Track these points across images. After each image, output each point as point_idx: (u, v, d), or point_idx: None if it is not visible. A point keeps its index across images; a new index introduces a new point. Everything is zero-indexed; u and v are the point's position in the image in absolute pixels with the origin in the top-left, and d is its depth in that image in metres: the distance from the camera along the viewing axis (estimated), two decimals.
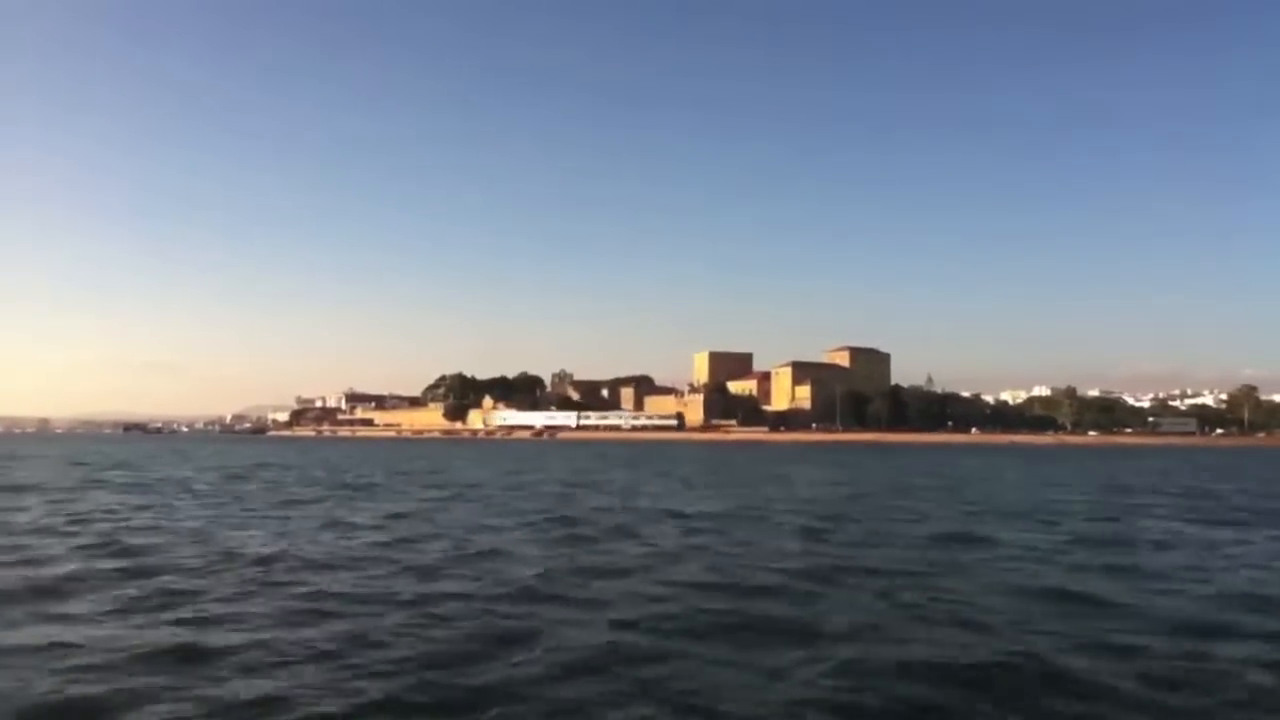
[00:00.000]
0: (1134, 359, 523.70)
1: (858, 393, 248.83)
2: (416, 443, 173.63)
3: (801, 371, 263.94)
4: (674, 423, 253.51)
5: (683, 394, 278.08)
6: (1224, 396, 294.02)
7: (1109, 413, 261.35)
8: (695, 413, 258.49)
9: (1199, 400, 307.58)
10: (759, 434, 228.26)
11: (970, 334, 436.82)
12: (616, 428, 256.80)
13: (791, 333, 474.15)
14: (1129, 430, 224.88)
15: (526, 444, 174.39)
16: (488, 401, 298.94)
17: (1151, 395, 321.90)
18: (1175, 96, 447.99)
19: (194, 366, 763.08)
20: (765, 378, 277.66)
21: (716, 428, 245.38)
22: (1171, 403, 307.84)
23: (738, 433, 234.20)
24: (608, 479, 47.89)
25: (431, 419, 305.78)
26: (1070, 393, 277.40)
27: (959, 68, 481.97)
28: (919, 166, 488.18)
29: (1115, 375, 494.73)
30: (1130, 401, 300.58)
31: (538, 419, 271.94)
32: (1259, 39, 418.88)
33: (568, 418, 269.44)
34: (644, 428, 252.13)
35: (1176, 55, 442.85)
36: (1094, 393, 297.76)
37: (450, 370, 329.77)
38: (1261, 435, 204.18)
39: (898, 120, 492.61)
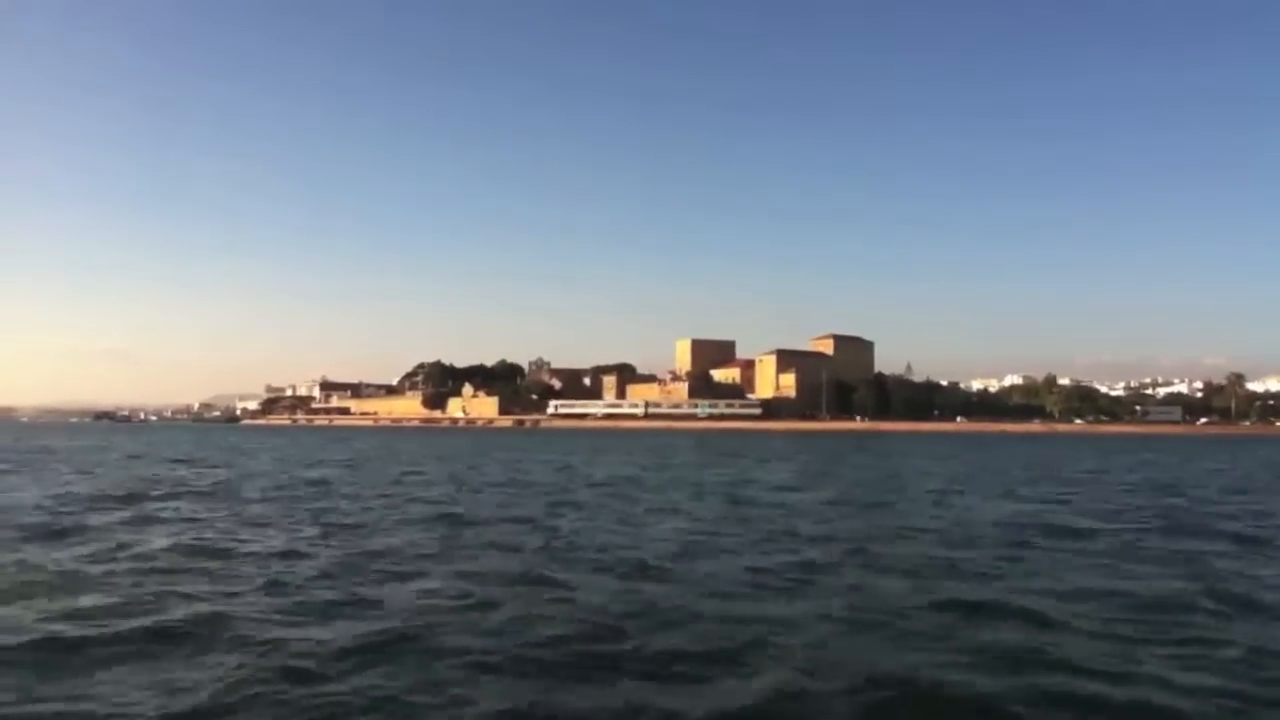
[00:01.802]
0: (1095, 348, 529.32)
1: (842, 381, 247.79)
2: (444, 434, 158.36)
3: (786, 359, 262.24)
4: (757, 412, 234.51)
5: (664, 382, 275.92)
6: (1199, 385, 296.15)
7: (1090, 401, 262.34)
8: (681, 400, 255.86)
9: (1172, 389, 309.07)
10: (862, 424, 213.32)
11: (938, 324, 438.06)
12: (692, 416, 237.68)
13: (764, 321, 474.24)
14: (1109, 419, 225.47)
15: (534, 433, 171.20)
16: (467, 389, 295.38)
17: (1123, 384, 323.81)
18: (1143, 82, 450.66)
19: (157, 354, 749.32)
20: (749, 365, 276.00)
21: (810, 418, 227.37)
22: (1144, 391, 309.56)
23: (834, 424, 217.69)
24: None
25: (410, 407, 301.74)
26: (1051, 381, 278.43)
27: (938, 56, 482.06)
28: (892, 157, 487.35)
29: (1080, 364, 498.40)
30: (1103, 390, 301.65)
31: (596, 407, 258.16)
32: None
33: (634, 406, 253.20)
34: (722, 416, 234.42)
35: (1152, 44, 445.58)
36: (1064, 381, 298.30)
37: (421, 358, 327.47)
38: (1247, 424, 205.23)
39: (874, 111, 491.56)
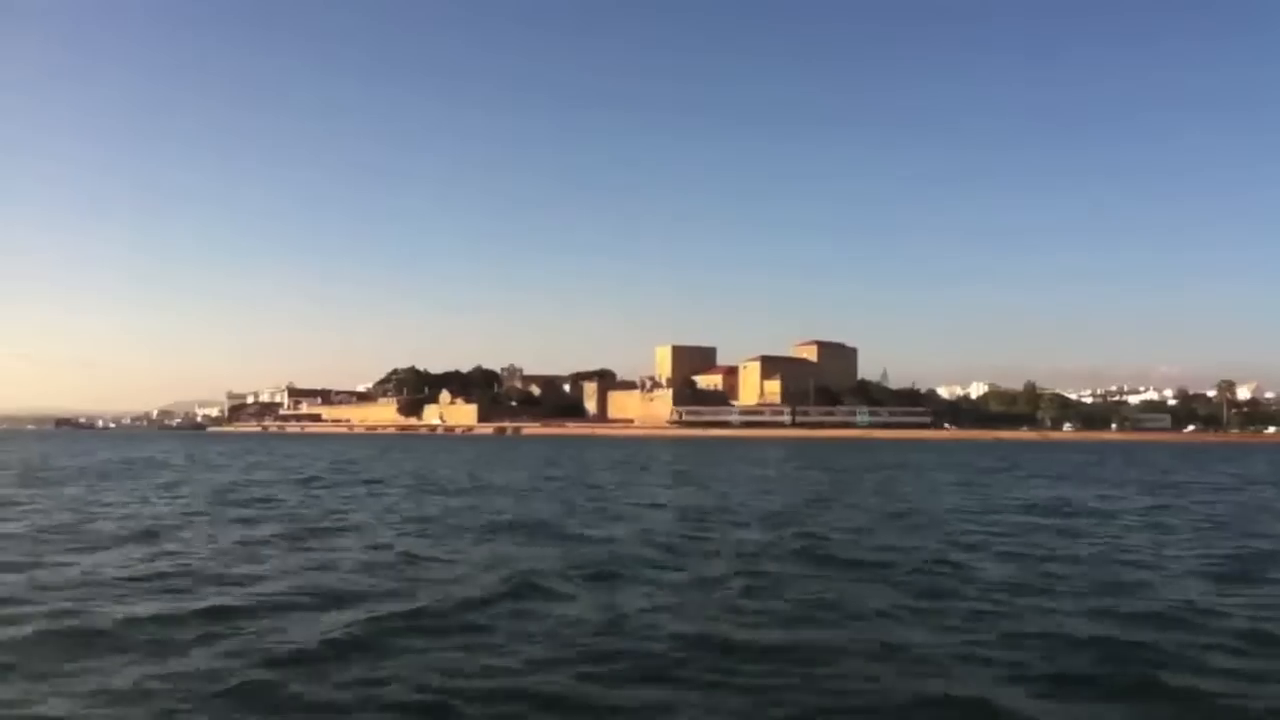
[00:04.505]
0: (1053, 357, 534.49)
1: (827, 388, 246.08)
2: (458, 441, 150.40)
3: (771, 366, 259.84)
4: (927, 420, 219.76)
5: (645, 389, 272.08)
6: (1170, 392, 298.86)
7: (1070, 409, 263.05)
8: (664, 406, 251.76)
9: (1140, 397, 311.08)
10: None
11: (903, 331, 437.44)
12: (848, 424, 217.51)
13: (731, 328, 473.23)
14: (1089, 426, 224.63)
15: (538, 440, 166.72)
16: (444, 396, 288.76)
17: (1089, 391, 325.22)
18: (1104, 90, 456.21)
19: (111, 360, 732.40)
20: (731, 372, 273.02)
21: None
22: (1112, 399, 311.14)
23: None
24: None
25: (385, 414, 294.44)
26: (1032, 389, 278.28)
27: (909, 66, 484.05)
28: (847, 162, 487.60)
29: (1038, 370, 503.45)
30: (1072, 397, 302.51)
31: (732, 415, 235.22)
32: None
33: (778, 413, 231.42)
34: (886, 424, 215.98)
35: (1113, 50, 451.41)
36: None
37: (388, 365, 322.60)
38: (1236, 432, 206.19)
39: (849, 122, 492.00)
